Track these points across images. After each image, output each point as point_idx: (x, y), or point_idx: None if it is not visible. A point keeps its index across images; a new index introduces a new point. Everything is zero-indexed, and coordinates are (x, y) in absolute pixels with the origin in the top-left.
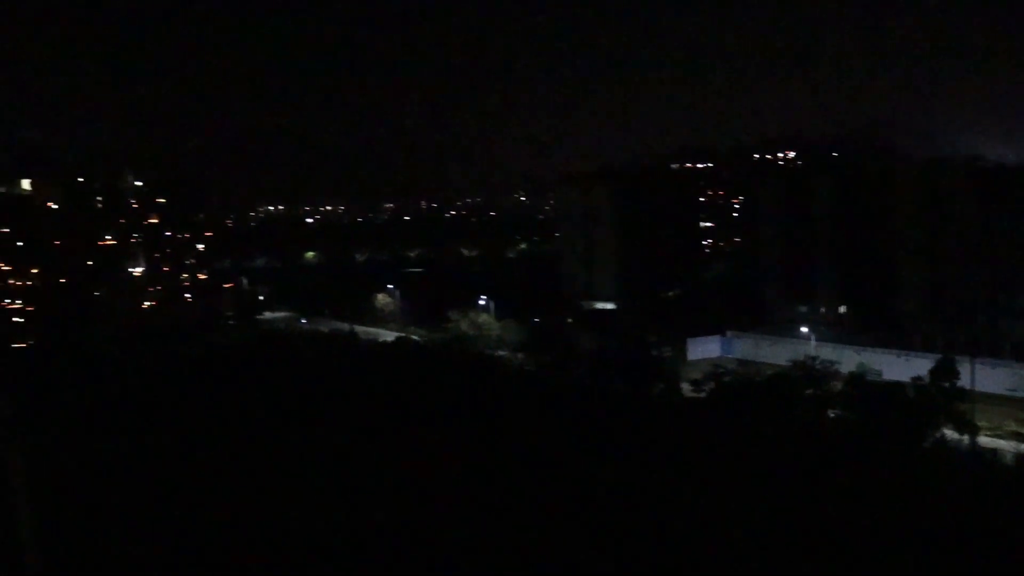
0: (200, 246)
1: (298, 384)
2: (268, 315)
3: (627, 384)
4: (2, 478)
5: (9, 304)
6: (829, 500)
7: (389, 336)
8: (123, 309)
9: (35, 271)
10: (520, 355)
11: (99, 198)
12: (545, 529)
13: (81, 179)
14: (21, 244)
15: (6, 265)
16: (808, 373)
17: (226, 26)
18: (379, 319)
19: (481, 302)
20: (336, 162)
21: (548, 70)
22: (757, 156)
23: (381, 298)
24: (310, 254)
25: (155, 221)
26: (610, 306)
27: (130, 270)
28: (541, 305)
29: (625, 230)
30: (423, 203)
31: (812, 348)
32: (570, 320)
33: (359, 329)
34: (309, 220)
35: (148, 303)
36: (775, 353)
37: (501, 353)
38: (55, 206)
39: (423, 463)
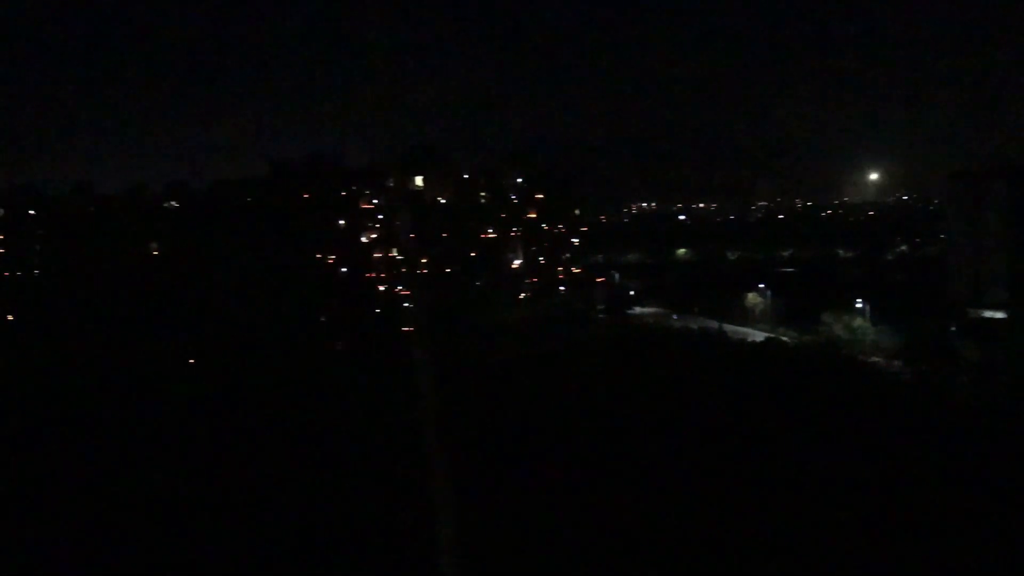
0: (575, 240)
1: (670, 380)
2: (638, 310)
3: (1016, 400)
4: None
5: (401, 291)
6: None
7: (758, 336)
8: (501, 299)
9: (424, 261)
10: (896, 362)
11: (483, 193)
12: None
13: (467, 175)
14: (413, 236)
15: (399, 255)
16: None
17: (605, 26)
18: (749, 318)
19: (857, 305)
20: (709, 160)
21: (927, 64)
22: None
23: (751, 297)
24: (681, 251)
25: (533, 216)
26: (1000, 315)
27: (509, 262)
28: (921, 310)
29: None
30: (798, 201)
31: None
32: (953, 328)
33: (728, 328)
34: (681, 217)
35: (524, 294)
36: None
37: (875, 359)
38: (443, 201)
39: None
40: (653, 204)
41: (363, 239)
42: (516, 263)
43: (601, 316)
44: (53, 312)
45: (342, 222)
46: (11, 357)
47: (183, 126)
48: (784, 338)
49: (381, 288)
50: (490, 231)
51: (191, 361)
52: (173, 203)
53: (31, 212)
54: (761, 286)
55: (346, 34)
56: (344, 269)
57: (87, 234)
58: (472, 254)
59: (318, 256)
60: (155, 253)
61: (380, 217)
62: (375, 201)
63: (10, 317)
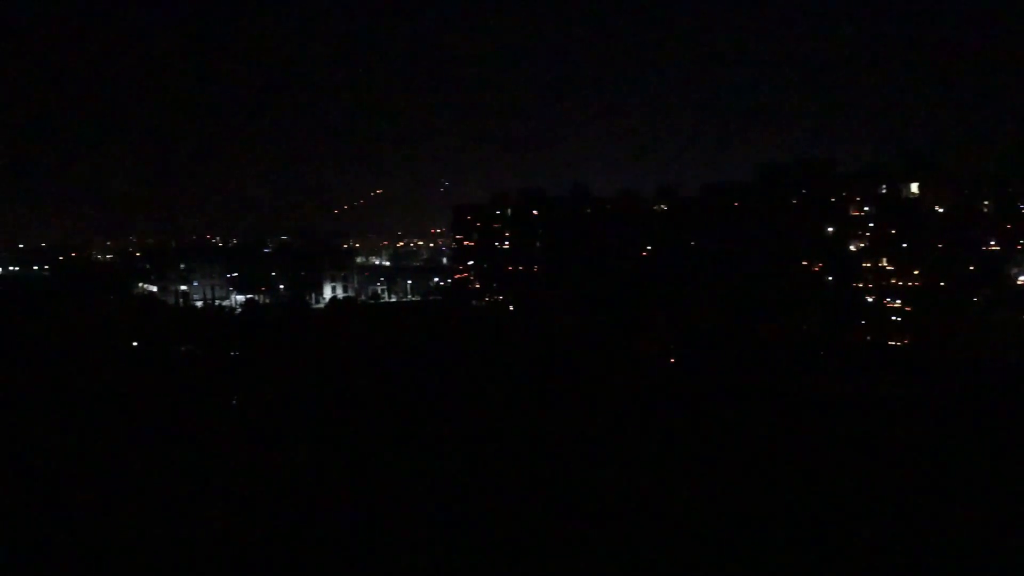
0: None
1: None
2: None
3: None
4: None
5: (888, 303)
6: None
7: None
8: (1002, 318)
9: (916, 272)
10: None
11: (985, 202)
12: None
13: (967, 181)
14: (905, 246)
15: (889, 265)
16: None
17: None
18: None
19: None
20: None
21: None
22: None
23: None
24: None
25: None
26: None
27: (1013, 278)
28: None
29: None
30: None
31: None
32: None
33: None
34: None
35: None
36: None
37: None
38: (940, 209)
39: None
40: None
41: (851, 248)
42: (1022, 279)
43: None
44: (550, 305)
45: (830, 229)
46: (509, 345)
47: (674, 130)
48: None
49: (868, 299)
50: (992, 243)
51: (671, 360)
52: (663, 206)
53: (534, 212)
54: None
55: (829, 38)
56: (829, 278)
57: (583, 234)
58: (970, 268)
59: (803, 263)
60: (644, 254)
61: (871, 225)
62: (866, 208)
63: (511, 307)
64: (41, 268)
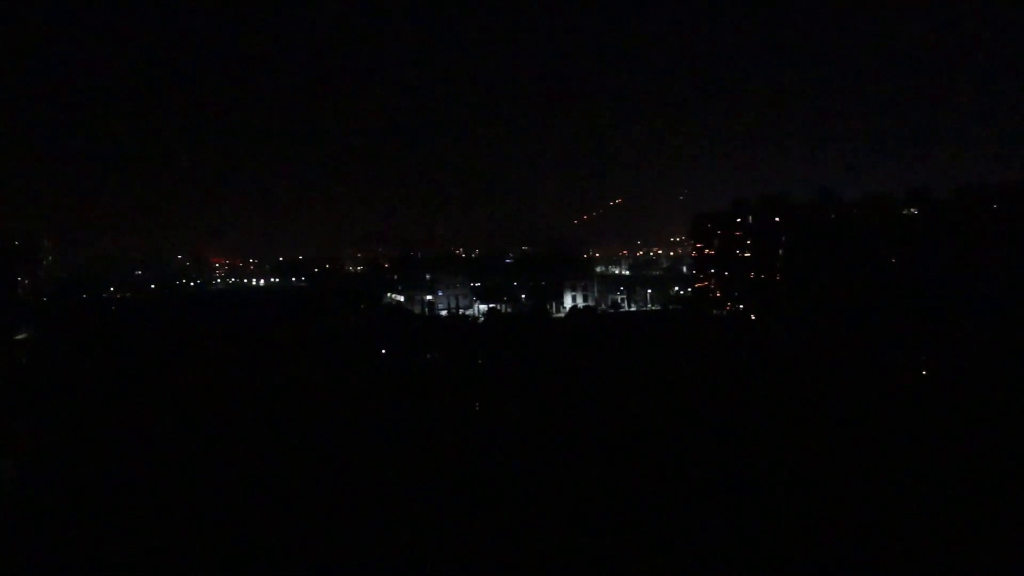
0: None
1: None
2: None
3: None
4: None
5: None
6: None
7: None
8: None
9: None
10: None
11: None
12: None
13: None
14: None
15: None
16: None
17: None
18: None
19: None
20: None
21: None
22: None
23: None
24: None
25: None
26: None
27: None
28: None
29: None
30: None
31: None
32: None
33: None
34: None
35: None
36: None
37: None
38: None
39: None
40: None
41: None
42: None
43: None
44: (793, 315)
45: None
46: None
47: (924, 130)
48: None
49: None
50: None
51: (924, 372)
52: (913, 210)
53: (776, 219)
54: None
55: None
56: None
57: (827, 240)
58: None
59: None
60: (894, 261)
61: None
62: None
63: (752, 317)
64: (298, 279)
